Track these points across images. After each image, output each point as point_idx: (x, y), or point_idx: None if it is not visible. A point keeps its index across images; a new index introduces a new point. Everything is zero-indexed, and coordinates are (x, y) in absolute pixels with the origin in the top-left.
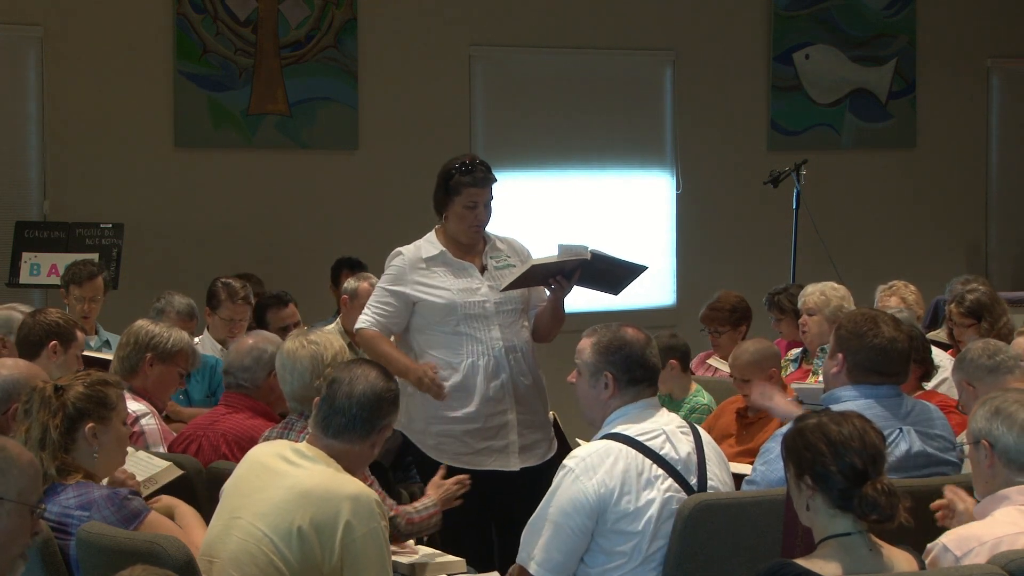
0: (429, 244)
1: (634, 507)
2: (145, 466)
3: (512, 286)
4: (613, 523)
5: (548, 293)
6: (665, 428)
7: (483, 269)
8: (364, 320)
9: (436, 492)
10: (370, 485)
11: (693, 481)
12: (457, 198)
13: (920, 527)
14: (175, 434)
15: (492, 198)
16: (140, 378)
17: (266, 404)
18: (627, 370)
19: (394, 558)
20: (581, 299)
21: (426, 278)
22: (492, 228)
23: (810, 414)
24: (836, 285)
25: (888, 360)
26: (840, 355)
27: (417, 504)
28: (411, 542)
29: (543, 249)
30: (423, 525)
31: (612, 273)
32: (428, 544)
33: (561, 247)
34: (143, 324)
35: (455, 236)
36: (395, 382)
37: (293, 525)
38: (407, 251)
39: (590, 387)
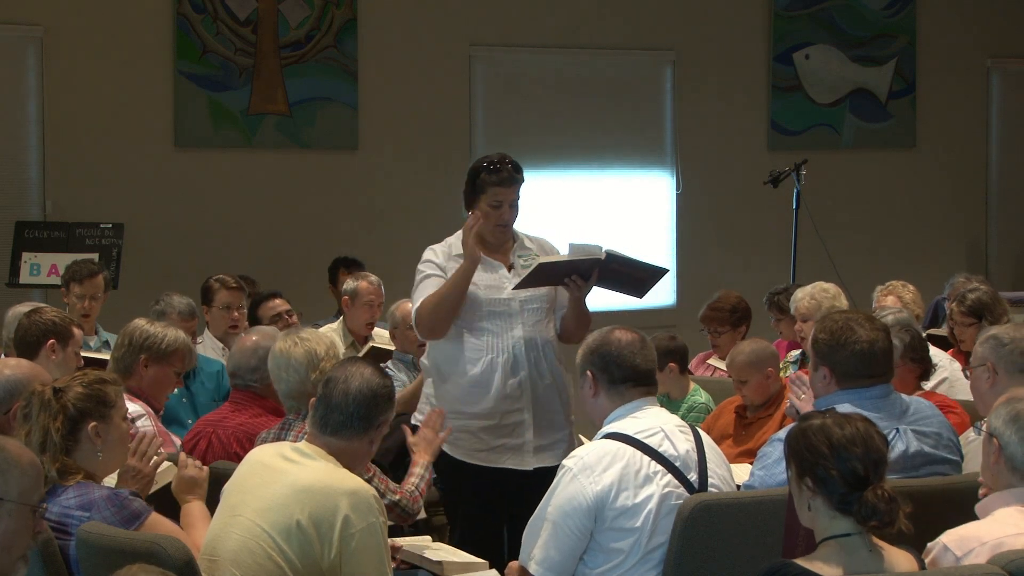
0: (459, 241)
1: (632, 503)
2: None
3: (522, 285)
4: (612, 520)
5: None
6: (663, 427)
7: (510, 267)
8: (421, 298)
9: (422, 452)
10: (371, 476)
11: (693, 478)
12: (483, 196)
13: (920, 527)
14: (174, 436)
15: (519, 197)
16: (136, 378)
17: (275, 401)
18: (604, 369)
19: (418, 553)
20: (595, 299)
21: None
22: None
23: (815, 413)
24: (826, 285)
25: (873, 362)
26: (825, 368)
27: (413, 478)
28: (429, 539)
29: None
30: (425, 492)
31: (632, 275)
32: (443, 541)
33: (572, 246)
34: (139, 324)
35: (482, 234)
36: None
37: (292, 520)
38: (439, 247)
39: (580, 387)
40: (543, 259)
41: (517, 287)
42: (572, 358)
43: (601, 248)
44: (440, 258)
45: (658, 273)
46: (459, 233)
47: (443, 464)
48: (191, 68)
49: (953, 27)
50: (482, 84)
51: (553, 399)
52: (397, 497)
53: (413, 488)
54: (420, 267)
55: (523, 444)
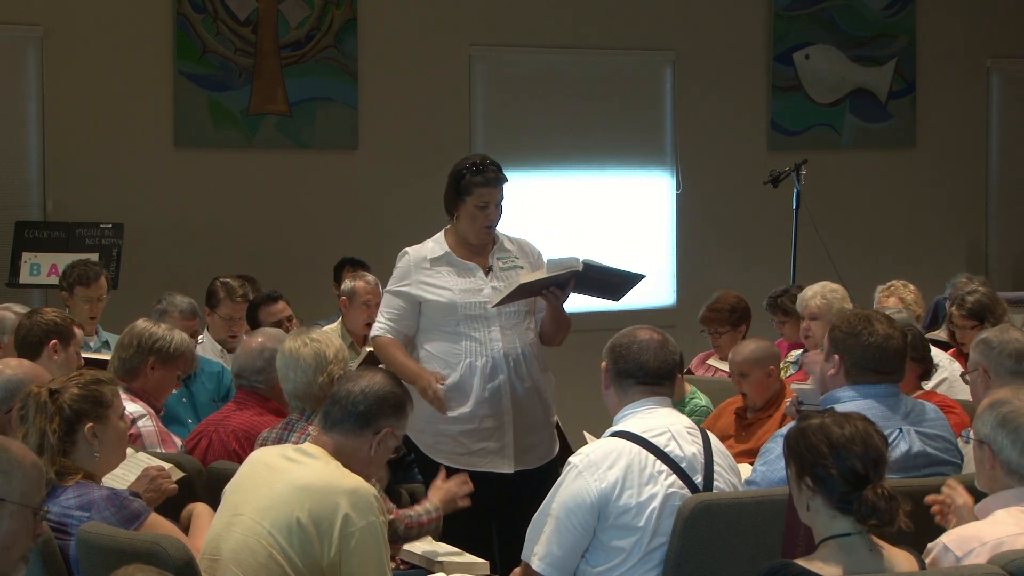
0: (435, 244)
1: (635, 501)
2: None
3: (503, 302)
4: (615, 518)
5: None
6: (671, 428)
7: (488, 270)
8: (378, 327)
9: (437, 495)
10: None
11: (698, 480)
12: (468, 198)
13: (920, 527)
14: (174, 436)
15: (503, 198)
16: (140, 380)
17: (279, 402)
18: (614, 362)
19: (420, 552)
20: (584, 300)
21: (430, 277)
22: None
23: (813, 413)
24: (834, 286)
25: (885, 358)
26: (836, 356)
27: (418, 507)
28: (430, 538)
29: (546, 250)
30: (424, 529)
31: (609, 281)
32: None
33: (550, 262)
34: (146, 326)
35: (465, 236)
36: (403, 388)
37: (292, 518)
38: (412, 251)
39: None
40: (523, 279)
41: (498, 304)
42: (553, 360)
43: (578, 260)
44: (413, 263)
45: (634, 279)
46: (438, 236)
47: (427, 468)
48: (191, 68)
49: (953, 27)
50: (482, 84)
51: (533, 402)
52: (391, 517)
53: (414, 515)
54: (393, 272)
55: (503, 447)
